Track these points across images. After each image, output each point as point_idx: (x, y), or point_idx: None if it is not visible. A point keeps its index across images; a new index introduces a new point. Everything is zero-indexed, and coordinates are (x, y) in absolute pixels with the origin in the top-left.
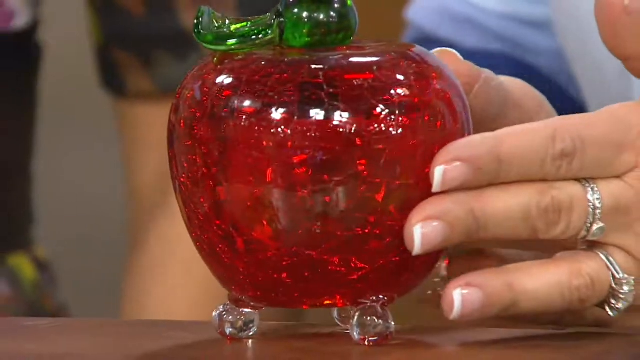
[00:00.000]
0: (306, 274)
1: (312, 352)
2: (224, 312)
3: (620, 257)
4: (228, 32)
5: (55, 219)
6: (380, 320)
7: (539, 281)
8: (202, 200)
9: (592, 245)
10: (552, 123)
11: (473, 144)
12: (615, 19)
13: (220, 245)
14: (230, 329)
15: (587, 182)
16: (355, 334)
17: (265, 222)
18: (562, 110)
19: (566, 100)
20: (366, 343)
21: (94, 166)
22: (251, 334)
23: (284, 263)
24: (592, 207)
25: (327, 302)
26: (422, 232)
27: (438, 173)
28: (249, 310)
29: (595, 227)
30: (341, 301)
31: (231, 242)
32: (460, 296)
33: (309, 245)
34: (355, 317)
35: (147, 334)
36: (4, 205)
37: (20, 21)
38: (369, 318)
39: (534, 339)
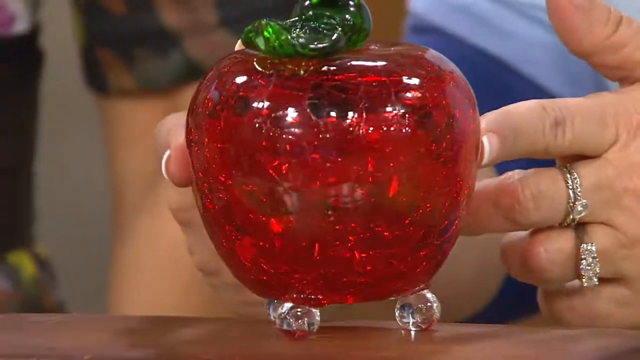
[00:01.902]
0: (318, 271)
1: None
2: (286, 310)
3: (601, 233)
4: (325, 39)
5: (55, 217)
6: (434, 305)
7: None
8: (218, 197)
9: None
10: (537, 100)
11: (493, 118)
12: (566, 16)
13: (236, 242)
14: (298, 327)
15: (565, 167)
16: (410, 321)
17: (279, 220)
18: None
19: (537, 95)
20: (413, 328)
21: (93, 166)
22: (314, 330)
23: (296, 260)
24: (571, 187)
25: (343, 298)
26: None
27: (486, 143)
28: (310, 308)
29: (578, 205)
30: (352, 298)
31: (246, 239)
32: None
33: (321, 242)
34: (410, 304)
35: (155, 329)
36: (7, 204)
37: (21, 26)
38: (423, 305)
39: (532, 334)
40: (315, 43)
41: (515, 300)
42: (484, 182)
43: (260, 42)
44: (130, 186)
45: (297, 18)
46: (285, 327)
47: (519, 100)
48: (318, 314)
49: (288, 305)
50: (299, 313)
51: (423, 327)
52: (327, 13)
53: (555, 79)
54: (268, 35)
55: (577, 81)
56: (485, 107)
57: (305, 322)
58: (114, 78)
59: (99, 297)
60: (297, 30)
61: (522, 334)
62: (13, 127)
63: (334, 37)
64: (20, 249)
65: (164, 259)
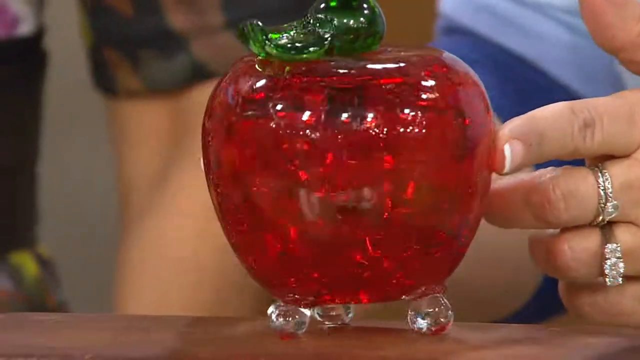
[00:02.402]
0: (333, 271)
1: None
2: (279, 311)
3: (628, 233)
4: (301, 43)
5: (58, 217)
6: (447, 310)
7: None
8: (234, 199)
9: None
10: (566, 102)
11: (517, 124)
12: (598, 11)
13: (253, 242)
14: (285, 327)
15: (596, 167)
16: (421, 324)
17: (295, 221)
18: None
19: (561, 93)
20: (426, 331)
21: (96, 167)
22: (303, 331)
23: (311, 261)
24: (602, 187)
25: (357, 299)
26: None
27: (507, 151)
28: (302, 308)
29: (609, 205)
30: (368, 298)
31: (263, 239)
32: None
33: (336, 242)
34: (423, 308)
35: (155, 329)
36: (10, 205)
37: (25, 28)
38: (435, 308)
39: (534, 332)
40: (290, 46)
41: (553, 299)
42: (517, 177)
43: (250, 44)
44: (136, 187)
45: (299, 21)
46: (273, 326)
47: (544, 98)
48: (307, 313)
49: (276, 304)
50: (286, 312)
51: (434, 329)
52: (329, 17)
53: (576, 78)
54: (252, 38)
55: (597, 80)
56: (511, 105)
57: (293, 321)
58: (121, 79)
59: (101, 297)
60: (292, 32)
61: (524, 333)
62: (16, 127)
63: (312, 42)
64: (22, 249)
65: (169, 259)
